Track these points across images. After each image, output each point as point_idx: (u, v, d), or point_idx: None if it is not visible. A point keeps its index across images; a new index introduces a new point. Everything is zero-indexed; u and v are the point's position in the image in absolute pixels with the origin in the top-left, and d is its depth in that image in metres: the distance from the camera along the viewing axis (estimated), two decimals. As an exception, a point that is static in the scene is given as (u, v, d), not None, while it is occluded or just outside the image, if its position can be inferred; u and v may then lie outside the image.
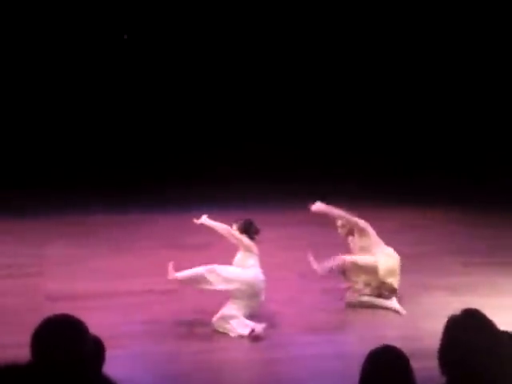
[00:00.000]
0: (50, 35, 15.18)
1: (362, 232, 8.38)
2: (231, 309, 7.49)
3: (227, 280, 7.56)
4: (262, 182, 13.12)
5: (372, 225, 10.96)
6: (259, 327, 7.31)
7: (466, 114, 16.27)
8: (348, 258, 8.25)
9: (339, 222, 8.55)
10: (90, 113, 15.07)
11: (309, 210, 8.34)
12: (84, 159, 13.92)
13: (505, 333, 3.66)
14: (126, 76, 15.75)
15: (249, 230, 8.01)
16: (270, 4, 16.18)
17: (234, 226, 8.04)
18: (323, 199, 8.32)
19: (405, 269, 8.48)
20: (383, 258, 8.20)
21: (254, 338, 7.24)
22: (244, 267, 7.74)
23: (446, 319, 3.57)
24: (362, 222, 8.45)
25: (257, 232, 8.02)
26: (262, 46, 16.26)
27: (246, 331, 7.30)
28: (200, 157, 14.18)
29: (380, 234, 10.34)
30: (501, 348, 3.43)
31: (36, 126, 14.53)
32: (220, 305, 8.10)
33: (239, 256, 7.91)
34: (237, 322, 7.39)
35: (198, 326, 7.61)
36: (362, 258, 8.22)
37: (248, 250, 7.84)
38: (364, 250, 8.33)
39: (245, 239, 7.88)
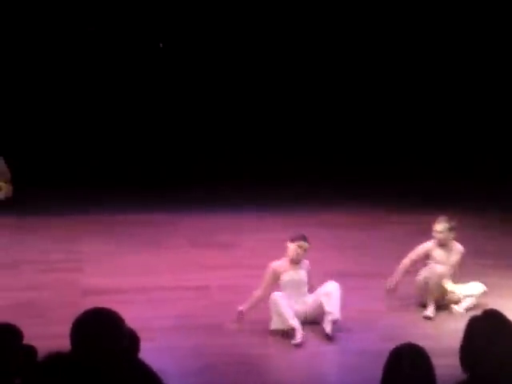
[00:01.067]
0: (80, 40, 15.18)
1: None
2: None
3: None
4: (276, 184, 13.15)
5: (387, 229, 11.09)
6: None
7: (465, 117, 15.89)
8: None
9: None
10: (119, 115, 15.07)
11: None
12: (118, 163, 13.94)
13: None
14: (154, 80, 15.70)
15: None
16: (276, 17, 15.84)
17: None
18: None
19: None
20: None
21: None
22: None
23: (467, 319, 3.59)
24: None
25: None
26: (267, 56, 16.03)
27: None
28: (222, 161, 14.18)
29: (397, 237, 10.41)
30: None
31: (68, 129, 14.57)
32: (246, 301, 8.17)
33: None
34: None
35: (226, 321, 7.60)
36: None
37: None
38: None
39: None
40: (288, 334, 7.13)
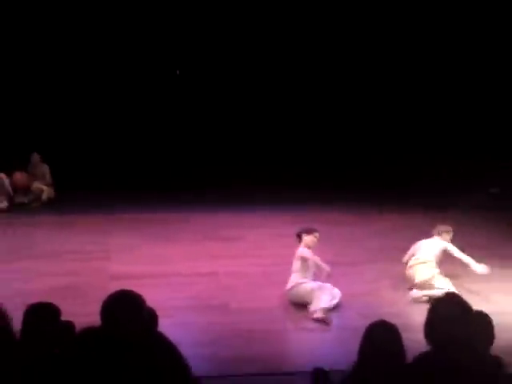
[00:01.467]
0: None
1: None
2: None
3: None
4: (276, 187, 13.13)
5: (372, 224, 11.04)
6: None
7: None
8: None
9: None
10: (141, 130, 14.93)
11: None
12: (141, 171, 13.91)
13: (476, 311, 3.69)
14: (172, 97, 15.56)
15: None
16: (276, 27, 15.04)
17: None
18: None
19: (399, 260, 8.30)
20: None
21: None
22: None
23: (432, 301, 3.60)
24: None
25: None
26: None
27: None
28: (229, 167, 14.12)
29: (382, 231, 10.37)
30: (473, 322, 3.46)
31: (99, 141, 14.47)
32: (249, 285, 8.18)
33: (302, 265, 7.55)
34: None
35: (232, 302, 7.60)
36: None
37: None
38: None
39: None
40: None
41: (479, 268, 7.86)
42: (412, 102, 15.37)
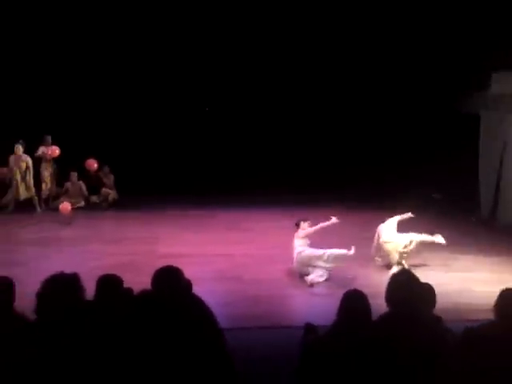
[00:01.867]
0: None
1: None
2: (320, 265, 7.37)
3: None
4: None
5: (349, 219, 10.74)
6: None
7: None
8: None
9: None
10: (188, 148, 14.44)
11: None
12: (183, 177, 13.73)
13: (423, 283, 3.66)
14: (211, 125, 14.96)
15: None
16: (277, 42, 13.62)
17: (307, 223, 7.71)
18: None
19: (367, 246, 8.17)
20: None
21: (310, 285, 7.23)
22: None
23: (390, 274, 3.57)
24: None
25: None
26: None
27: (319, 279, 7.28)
28: (244, 176, 13.84)
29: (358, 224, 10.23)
30: (421, 291, 3.45)
31: (153, 151, 14.04)
32: (257, 263, 8.14)
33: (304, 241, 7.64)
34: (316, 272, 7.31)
35: (244, 275, 7.60)
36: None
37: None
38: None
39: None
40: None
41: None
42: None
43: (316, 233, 7.64)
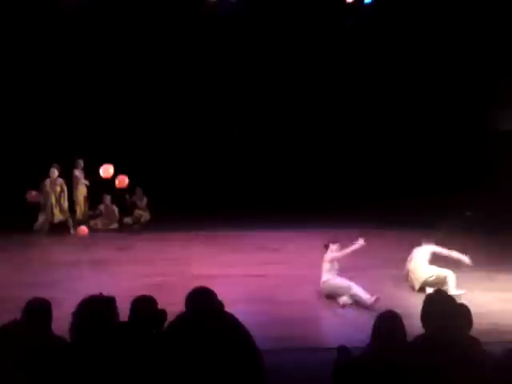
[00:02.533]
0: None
1: None
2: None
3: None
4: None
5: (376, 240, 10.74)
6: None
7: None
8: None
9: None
10: (217, 170, 14.81)
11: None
12: (213, 200, 13.87)
13: (459, 303, 3.61)
14: (240, 146, 15.32)
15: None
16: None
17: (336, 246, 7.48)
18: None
19: (397, 266, 8.24)
20: None
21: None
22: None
23: (426, 295, 3.53)
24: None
25: None
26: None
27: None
28: (275, 199, 13.92)
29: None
30: (457, 312, 3.39)
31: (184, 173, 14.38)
32: (289, 284, 8.08)
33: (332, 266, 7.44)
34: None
35: (276, 296, 7.52)
36: None
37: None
38: None
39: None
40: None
41: (467, 259, 7.57)
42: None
43: (346, 256, 7.42)
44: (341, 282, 7.28)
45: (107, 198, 12.42)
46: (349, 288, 7.15)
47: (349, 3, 12.02)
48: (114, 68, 13.45)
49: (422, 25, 12.56)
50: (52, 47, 12.89)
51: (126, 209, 12.58)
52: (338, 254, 7.36)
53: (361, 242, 7.26)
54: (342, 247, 7.46)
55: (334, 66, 13.98)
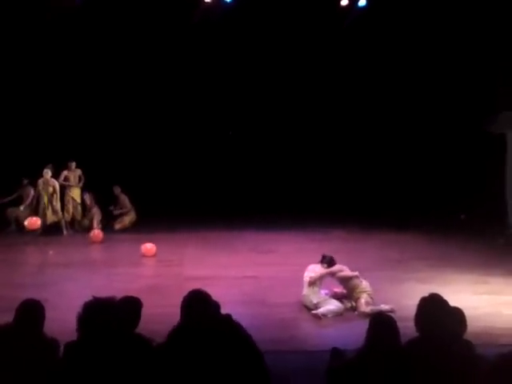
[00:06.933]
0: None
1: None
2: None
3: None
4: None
5: (366, 242, 10.83)
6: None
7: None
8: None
9: None
10: (212, 171, 14.66)
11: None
12: (207, 201, 13.79)
13: (453, 307, 3.61)
14: (235, 149, 15.16)
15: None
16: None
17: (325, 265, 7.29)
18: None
19: (393, 267, 8.26)
20: None
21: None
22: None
23: (420, 298, 3.53)
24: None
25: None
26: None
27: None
28: (269, 201, 13.86)
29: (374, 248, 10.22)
30: (451, 315, 3.39)
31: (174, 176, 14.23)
32: (281, 285, 8.02)
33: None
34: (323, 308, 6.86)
35: (271, 296, 7.51)
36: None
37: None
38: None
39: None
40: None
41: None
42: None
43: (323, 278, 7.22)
44: (320, 297, 7.08)
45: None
46: (327, 301, 6.97)
47: (343, 7, 12.08)
48: (110, 70, 13.41)
49: (420, 29, 12.62)
50: (51, 49, 12.85)
51: (115, 219, 12.50)
52: (317, 277, 7.14)
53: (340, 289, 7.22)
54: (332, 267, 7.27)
55: (333, 69, 14.00)
